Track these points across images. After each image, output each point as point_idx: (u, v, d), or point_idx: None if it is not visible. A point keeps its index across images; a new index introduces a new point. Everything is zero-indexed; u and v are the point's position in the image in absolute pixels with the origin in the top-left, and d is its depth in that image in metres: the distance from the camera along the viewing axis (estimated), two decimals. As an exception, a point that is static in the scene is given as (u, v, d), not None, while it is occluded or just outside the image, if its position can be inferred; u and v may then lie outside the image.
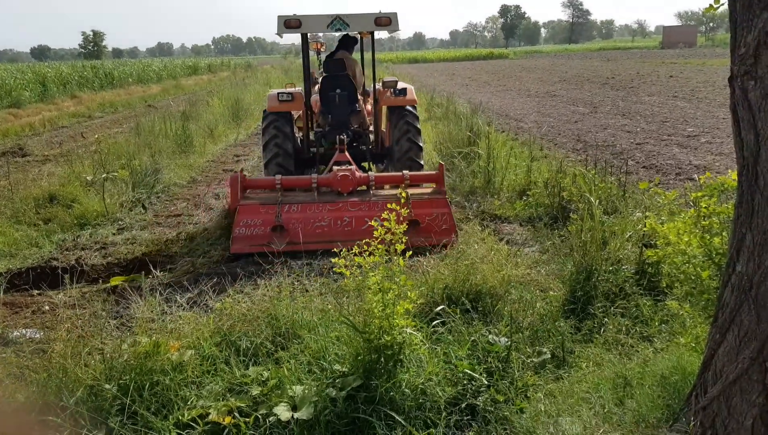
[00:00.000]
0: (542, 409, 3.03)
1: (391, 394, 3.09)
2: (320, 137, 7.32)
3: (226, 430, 2.91)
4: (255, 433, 2.93)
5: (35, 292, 5.17)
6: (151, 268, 5.28)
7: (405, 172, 6.38)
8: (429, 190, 6.31)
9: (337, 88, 7.16)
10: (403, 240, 3.37)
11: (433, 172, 6.44)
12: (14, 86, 23.27)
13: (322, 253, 5.62)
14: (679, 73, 29.54)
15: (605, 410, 2.92)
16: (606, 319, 4.04)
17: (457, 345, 3.63)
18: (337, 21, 6.60)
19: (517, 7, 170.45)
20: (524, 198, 7.24)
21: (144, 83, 34.76)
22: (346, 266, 3.33)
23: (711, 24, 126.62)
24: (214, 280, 5.05)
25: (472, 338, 3.69)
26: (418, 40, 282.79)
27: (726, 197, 4.09)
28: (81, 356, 3.22)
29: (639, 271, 4.56)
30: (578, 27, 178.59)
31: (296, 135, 7.65)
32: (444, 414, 3.08)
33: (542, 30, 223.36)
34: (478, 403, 3.18)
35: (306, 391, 3.08)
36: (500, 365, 3.47)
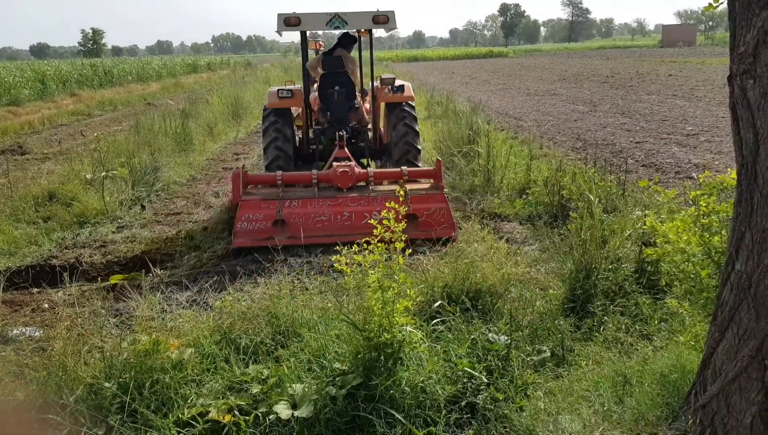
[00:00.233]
0: (542, 407, 3.03)
1: (391, 392, 3.09)
2: (319, 134, 7.41)
3: (226, 429, 2.91)
4: (255, 431, 2.93)
5: (35, 290, 5.17)
6: (151, 267, 5.29)
7: (403, 168, 6.53)
8: (427, 186, 6.43)
9: (335, 86, 7.27)
10: (403, 238, 3.37)
11: (431, 169, 6.59)
12: (13, 84, 23.26)
13: (322, 251, 5.65)
14: (679, 71, 29.53)
15: (605, 408, 2.93)
16: (605, 318, 4.04)
17: (457, 343, 3.64)
18: (335, 19, 6.68)
19: (517, 5, 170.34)
20: (524, 196, 7.25)
21: (143, 81, 34.74)
22: (346, 264, 3.34)
23: (710, 23, 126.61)
24: (214, 278, 5.07)
25: (472, 336, 3.69)
26: (417, 38, 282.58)
27: (725, 196, 4.09)
28: (81, 354, 3.22)
29: (638, 269, 4.56)
30: (578, 26, 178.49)
31: (295, 132, 7.72)
32: (444, 412, 3.09)
33: (542, 28, 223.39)
34: (477, 401, 3.18)
35: (306, 390, 3.08)
36: (500, 363, 3.47)
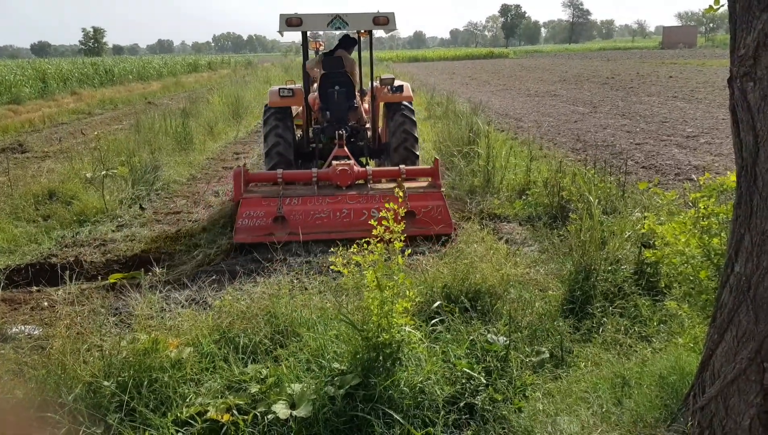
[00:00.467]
0: (540, 408, 3.03)
1: (390, 392, 3.09)
2: (319, 133, 7.52)
3: (225, 428, 2.91)
4: (253, 430, 2.93)
5: (34, 288, 5.17)
6: (151, 266, 5.30)
7: (401, 166, 6.65)
8: (425, 184, 6.53)
9: (335, 85, 7.39)
10: (401, 238, 3.38)
11: (429, 167, 6.69)
12: (14, 82, 23.27)
13: (321, 251, 5.65)
14: (679, 73, 29.55)
15: (603, 410, 2.93)
16: (605, 319, 4.04)
17: (456, 344, 3.64)
18: (336, 20, 6.75)
19: (518, 6, 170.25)
20: (523, 197, 7.26)
21: (144, 80, 34.76)
22: (345, 265, 3.34)
23: (711, 24, 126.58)
24: (213, 277, 5.07)
25: (471, 337, 3.69)
26: (418, 38, 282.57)
27: (725, 198, 4.09)
28: (80, 353, 3.22)
29: (638, 271, 4.56)
30: (578, 27, 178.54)
31: (295, 131, 7.79)
32: (442, 413, 3.09)
33: (542, 30, 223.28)
34: (476, 402, 3.19)
35: (305, 389, 3.08)
36: (499, 364, 3.47)
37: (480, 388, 3.27)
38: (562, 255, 5.19)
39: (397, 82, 7.54)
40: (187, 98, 19.87)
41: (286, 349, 3.60)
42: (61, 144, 13.06)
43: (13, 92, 22.23)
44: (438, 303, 4.03)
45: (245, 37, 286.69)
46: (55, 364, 3.15)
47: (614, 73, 31.91)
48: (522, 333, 3.84)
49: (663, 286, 4.12)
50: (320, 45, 10.52)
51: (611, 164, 7.97)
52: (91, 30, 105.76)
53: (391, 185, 6.45)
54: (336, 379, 3.15)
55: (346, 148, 6.92)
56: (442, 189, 6.41)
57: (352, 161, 6.60)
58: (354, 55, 8.23)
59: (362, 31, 7.60)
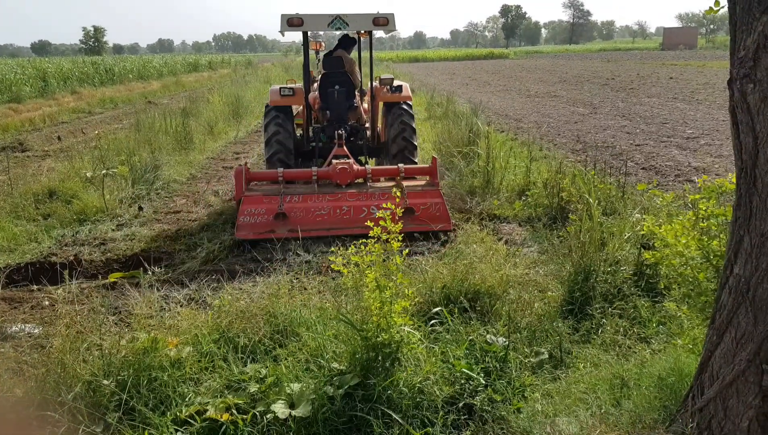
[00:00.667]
0: (539, 409, 3.04)
1: (389, 392, 3.10)
2: (319, 132, 7.61)
3: (224, 427, 2.91)
4: (252, 430, 2.93)
5: (34, 287, 5.16)
6: (150, 265, 5.30)
7: (400, 165, 6.75)
8: (423, 183, 6.63)
9: (335, 85, 7.48)
10: (400, 238, 3.38)
11: (427, 166, 6.77)
12: (14, 81, 23.26)
13: (321, 251, 5.66)
14: (679, 74, 29.55)
15: (602, 411, 2.93)
16: (604, 320, 4.05)
17: (455, 344, 3.64)
18: (337, 20, 6.79)
19: (518, 7, 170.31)
20: (523, 198, 7.26)
21: (144, 79, 34.75)
22: (344, 265, 3.34)
23: (711, 26, 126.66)
24: (213, 276, 5.08)
25: (470, 338, 3.70)
26: (418, 39, 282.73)
27: (724, 199, 4.10)
28: (79, 352, 3.22)
29: (637, 272, 4.57)
30: (579, 28, 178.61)
31: (295, 129, 7.84)
32: (441, 413, 3.09)
33: (543, 30, 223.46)
34: (475, 402, 3.19)
35: (304, 389, 3.09)
36: (498, 365, 3.48)
37: (479, 388, 3.28)
38: (561, 256, 5.19)
39: (396, 82, 7.60)
40: (188, 98, 19.86)
41: (285, 348, 3.61)
42: (61, 143, 13.07)
43: (14, 91, 22.23)
44: (438, 309, 4.02)
45: (245, 37, 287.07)
46: (54, 363, 3.15)
47: (614, 74, 31.92)
48: (521, 334, 3.84)
49: (662, 287, 4.13)
50: (320, 45, 10.54)
51: (611, 165, 7.98)
52: (92, 29, 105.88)
53: (390, 184, 6.57)
54: (335, 378, 3.16)
55: (345, 148, 6.99)
56: (441, 187, 6.48)
57: (351, 160, 6.67)
58: (354, 54, 8.27)
59: (362, 31, 7.64)
